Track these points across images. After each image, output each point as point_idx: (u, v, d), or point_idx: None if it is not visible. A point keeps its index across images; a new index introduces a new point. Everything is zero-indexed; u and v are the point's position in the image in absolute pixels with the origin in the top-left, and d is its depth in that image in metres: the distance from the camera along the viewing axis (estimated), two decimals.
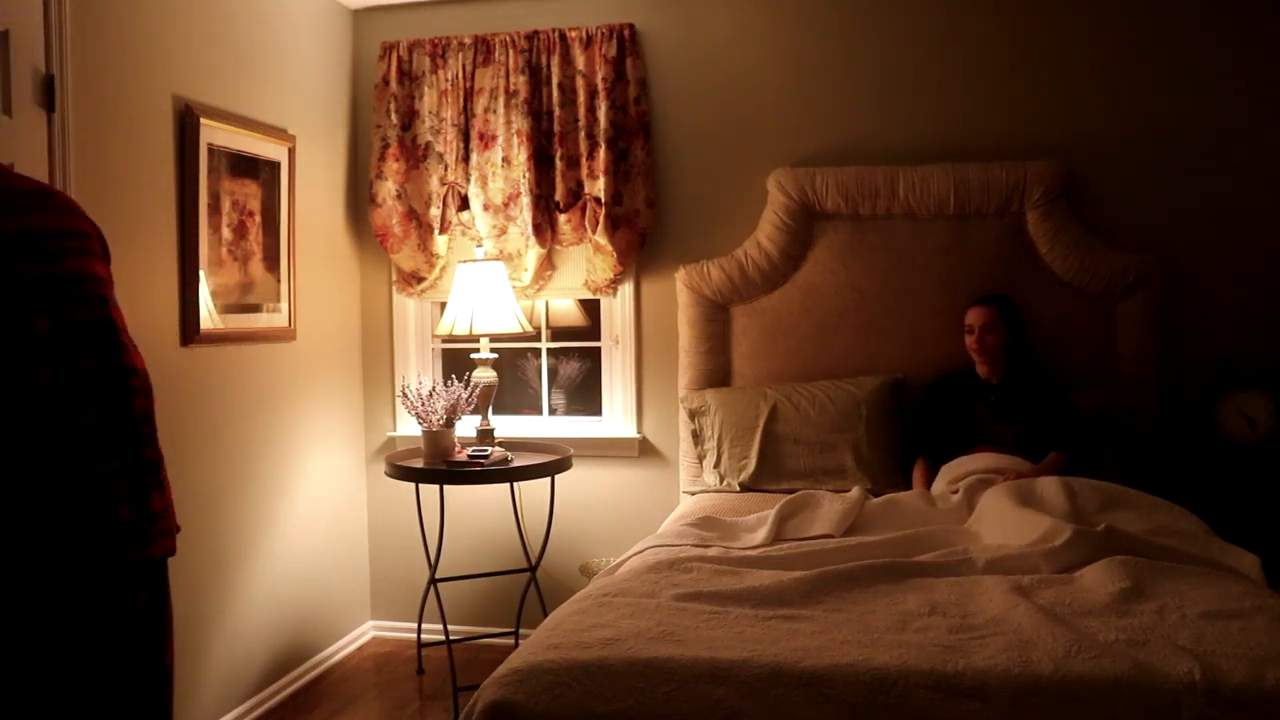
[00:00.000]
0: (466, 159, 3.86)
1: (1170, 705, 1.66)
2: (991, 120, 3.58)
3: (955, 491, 2.95)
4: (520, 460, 3.54)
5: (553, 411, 4.18)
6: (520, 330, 3.64)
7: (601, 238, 3.70)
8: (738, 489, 3.41)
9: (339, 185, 3.99)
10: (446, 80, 3.86)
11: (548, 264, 3.91)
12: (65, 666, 1.46)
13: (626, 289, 3.89)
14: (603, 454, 3.92)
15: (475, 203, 3.84)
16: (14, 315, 1.41)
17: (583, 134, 3.73)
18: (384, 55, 3.92)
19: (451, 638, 3.57)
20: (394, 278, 4.04)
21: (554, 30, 3.76)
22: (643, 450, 3.91)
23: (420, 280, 3.98)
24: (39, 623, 1.44)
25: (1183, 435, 3.43)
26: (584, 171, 3.75)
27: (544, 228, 3.79)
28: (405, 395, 3.54)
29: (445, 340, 4.01)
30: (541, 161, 3.78)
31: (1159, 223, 3.48)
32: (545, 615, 2.99)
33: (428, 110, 3.89)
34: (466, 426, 3.73)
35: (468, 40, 3.84)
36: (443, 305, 3.87)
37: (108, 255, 1.56)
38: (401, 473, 3.50)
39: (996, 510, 2.68)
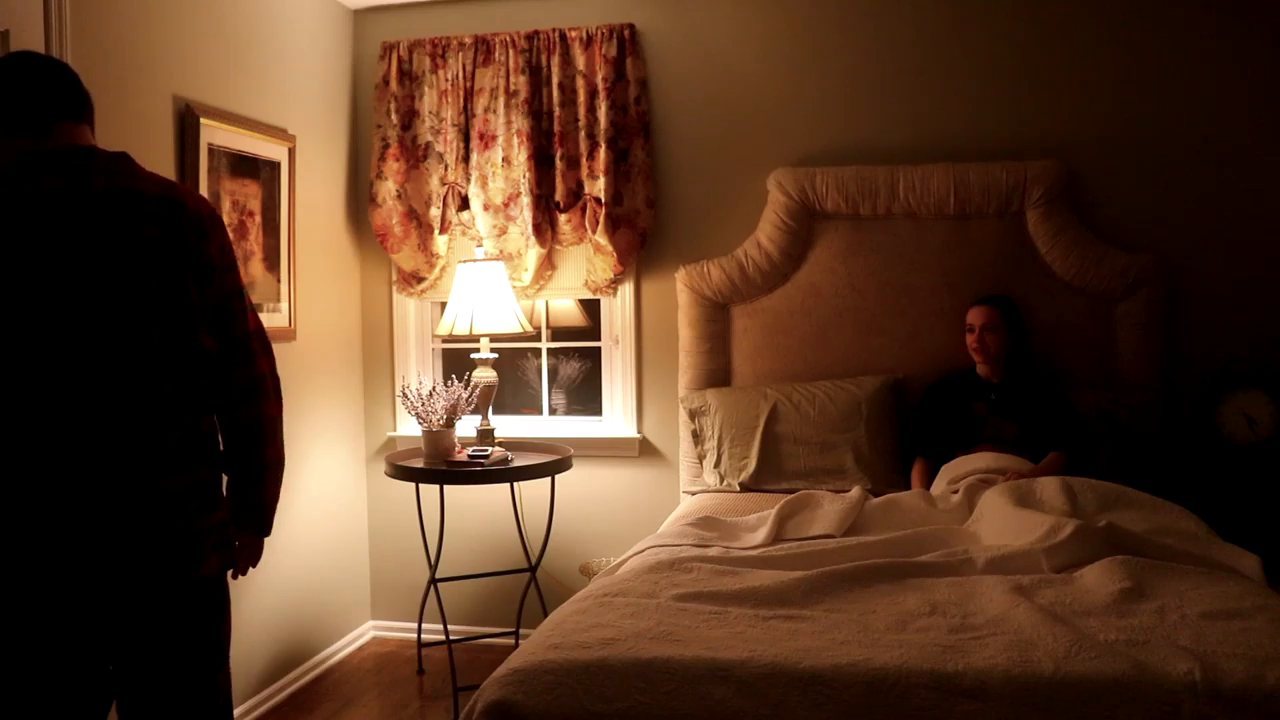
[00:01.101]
0: (466, 159, 3.86)
1: (1170, 705, 1.66)
2: (991, 120, 3.58)
3: (955, 491, 2.96)
4: (520, 460, 3.54)
5: (553, 411, 4.17)
6: (520, 330, 3.63)
7: (602, 238, 3.70)
8: (738, 489, 3.41)
9: (339, 185, 3.99)
10: (446, 80, 3.86)
11: (548, 264, 3.91)
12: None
13: (626, 289, 3.89)
14: (603, 454, 3.92)
15: (475, 203, 3.84)
16: (189, 332, 1.84)
17: (583, 134, 3.73)
18: (384, 55, 3.92)
19: (452, 638, 3.57)
20: (394, 278, 4.04)
21: (554, 30, 3.76)
22: (643, 450, 3.91)
23: (420, 280, 3.98)
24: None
25: (1183, 435, 3.43)
26: (584, 171, 3.74)
27: (544, 228, 3.79)
28: (405, 395, 3.54)
29: (445, 340, 4.01)
30: (541, 161, 3.78)
31: (1159, 223, 3.48)
32: (545, 615, 2.99)
33: (428, 110, 3.89)
34: (466, 426, 3.73)
35: (468, 40, 3.84)
36: (443, 305, 3.87)
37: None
38: (401, 473, 3.50)
39: (996, 510, 2.68)
